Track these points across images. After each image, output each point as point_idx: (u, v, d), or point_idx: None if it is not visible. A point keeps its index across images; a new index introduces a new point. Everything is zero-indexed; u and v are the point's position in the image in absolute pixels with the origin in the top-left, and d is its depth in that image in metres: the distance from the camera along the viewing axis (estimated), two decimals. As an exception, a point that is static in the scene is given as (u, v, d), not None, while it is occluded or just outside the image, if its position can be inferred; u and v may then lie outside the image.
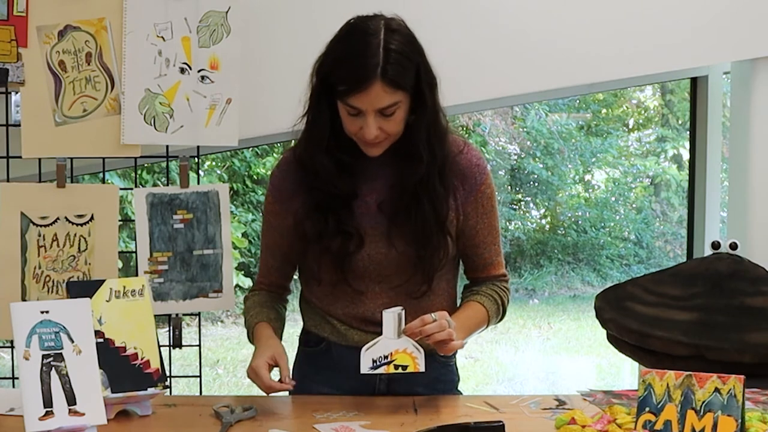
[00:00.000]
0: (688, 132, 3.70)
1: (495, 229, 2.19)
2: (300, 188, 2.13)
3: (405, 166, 2.06)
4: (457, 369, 2.29)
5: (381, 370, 1.94)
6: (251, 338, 2.17)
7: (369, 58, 1.94)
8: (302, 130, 2.10)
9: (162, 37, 2.52)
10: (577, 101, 10.33)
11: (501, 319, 2.22)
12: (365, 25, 2.00)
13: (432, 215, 2.07)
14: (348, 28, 2.02)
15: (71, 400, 1.76)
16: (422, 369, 1.96)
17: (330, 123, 2.04)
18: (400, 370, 1.95)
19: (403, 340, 1.94)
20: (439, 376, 2.23)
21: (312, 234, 2.10)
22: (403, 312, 1.96)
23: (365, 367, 1.94)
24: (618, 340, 2.34)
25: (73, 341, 1.80)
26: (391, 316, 1.94)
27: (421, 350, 1.95)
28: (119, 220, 2.60)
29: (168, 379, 2.15)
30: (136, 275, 2.54)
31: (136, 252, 2.58)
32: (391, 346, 1.94)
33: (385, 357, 1.94)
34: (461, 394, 2.27)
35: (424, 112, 2.04)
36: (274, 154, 8.13)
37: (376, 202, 2.11)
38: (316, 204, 2.09)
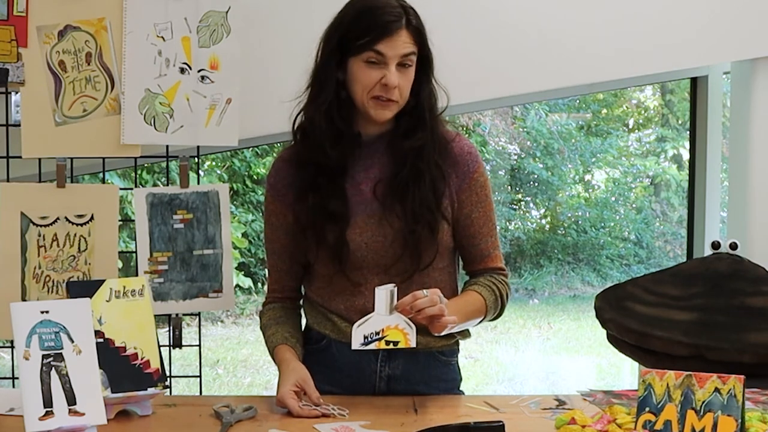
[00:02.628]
0: (688, 132, 3.70)
1: (491, 220, 2.21)
2: (294, 185, 2.16)
3: (409, 133, 2.11)
4: (459, 368, 2.29)
5: (372, 346, 1.94)
6: (273, 360, 2.18)
7: (393, 8, 2.06)
8: (305, 105, 2.14)
9: (162, 37, 2.52)
10: (577, 101, 10.32)
11: (500, 313, 2.21)
12: None
13: (431, 190, 2.10)
14: None
15: (71, 400, 1.76)
16: (413, 344, 1.95)
17: (335, 89, 2.09)
18: (391, 346, 1.94)
19: (395, 317, 1.94)
20: (440, 375, 2.23)
21: (301, 213, 2.12)
22: (396, 289, 1.96)
23: (356, 343, 1.94)
24: (618, 340, 2.34)
25: (73, 341, 1.80)
26: (383, 293, 1.95)
27: (413, 327, 1.95)
28: (119, 220, 2.60)
29: (168, 379, 2.16)
30: (136, 275, 2.54)
31: (136, 252, 2.58)
32: (383, 323, 1.94)
33: (377, 333, 1.93)
34: (463, 393, 2.27)
35: (428, 82, 2.13)
36: (274, 154, 8.11)
37: (371, 189, 2.13)
38: (305, 185, 2.12)
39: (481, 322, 2.17)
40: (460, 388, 2.29)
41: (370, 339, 1.93)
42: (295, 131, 2.17)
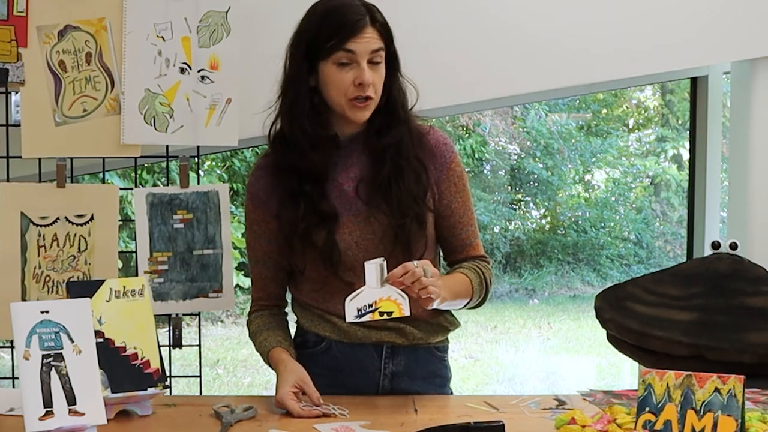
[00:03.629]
0: (688, 132, 3.70)
1: (470, 209, 2.22)
2: (276, 190, 2.16)
3: (386, 132, 2.12)
4: (449, 366, 2.31)
5: (366, 318, 1.94)
6: (268, 364, 2.18)
7: (356, 8, 2.07)
8: (279, 110, 2.14)
9: (162, 37, 2.52)
10: (577, 101, 10.33)
11: (485, 297, 2.21)
12: None
13: (415, 183, 2.11)
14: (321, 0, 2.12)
15: (71, 400, 1.76)
16: (407, 313, 1.94)
17: (309, 96, 2.10)
18: (385, 317, 1.94)
19: (387, 289, 1.94)
20: (436, 371, 2.25)
21: (288, 221, 2.12)
22: (385, 263, 1.96)
23: (350, 316, 1.94)
24: (618, 340, 2.34)
25: (73, 341, 1.80)
26: (373, 267, 1.94)
27: (405, 297, 1.94)
28: (119, 220, 2.60)
29: (168, 379, 2.15)
30: (136, 275, 2.54)
31: (136, 252, 2.58)
32: (375, 295, 1.94)
33: (370, 305, 1.93)
34: (452, 392, 2.28)
35: (397, 80, 2.13)
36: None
37: (353, 189, 2.13)
38: (290, 192, 2.12)
39: (467, 304, 2.17)
40: (450, 386, 2.30)
41: (363, 311, 1.93)
42: (273, 140, 2.17)
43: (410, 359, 2.20)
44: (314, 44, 2.07)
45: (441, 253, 2.28)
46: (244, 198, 2.25)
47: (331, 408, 1.99)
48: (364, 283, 2.07)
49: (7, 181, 2.57)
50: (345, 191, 2.13)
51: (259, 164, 2.23)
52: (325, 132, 2.12)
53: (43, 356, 1.77)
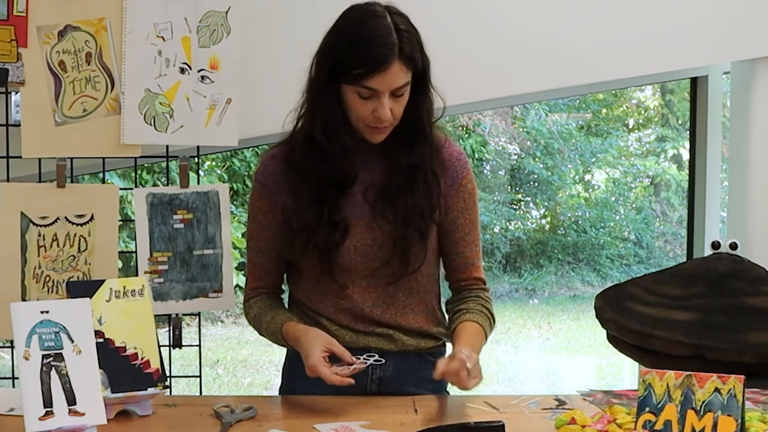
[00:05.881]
0: (688, 132, 3.70)
1: (475, 228, 2.19)
2: (286, 182, 2.13)
3: (407, 147, 2.07)
4: None
5: None
6: (283, 342, 2.13)
7: (386, 38, 1.97)
8: (305, 120, 2.09)
9: (162, 37, 2.52)
10: (577, 101, 10.33)
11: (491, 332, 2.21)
12: (370, 9, 2.02)
13: (426, 196, 2.08)
14: (353, 14, 2.03)
15: (71, 400, 1.76)
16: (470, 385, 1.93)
17: (335, 105, 2.03)
18: None
19: None
20: (428, 376, 2.22)
21: (301, 226, 2.09)
22: None
23: None
24: (618, 340, 2.34)
25: (73, 341, 1.80)
26: None
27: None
28: (119, 220, 2.60)
29: (168, 379, 2.15)
30: (136, 275, 2.54)
31: (136, 252, 2.58)
32: None
33: None
34: (449, 393, 2.27)
35: (426, 93, 2.07)
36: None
37: (361, 192, 2.11)
38: (303, 192, 2.08)
39: None
40: (447, 389, 2.28)
41: None
42: (299, 141, 2.10)
43: (399, 365, 2.17)
44: (338, 67, 2.00)
45: (442, 268, 2.25)
46: (252, 186, 2.21)
47: (363, 359, 1.99)
48: (358, 287, 2.08)
49: (7, 181, 2.57)
50: (353, 193, 2.11)
51: (270, 153, 2.18)
52: (352, 139, 2.06)
53: (43, 356, 1.77)
